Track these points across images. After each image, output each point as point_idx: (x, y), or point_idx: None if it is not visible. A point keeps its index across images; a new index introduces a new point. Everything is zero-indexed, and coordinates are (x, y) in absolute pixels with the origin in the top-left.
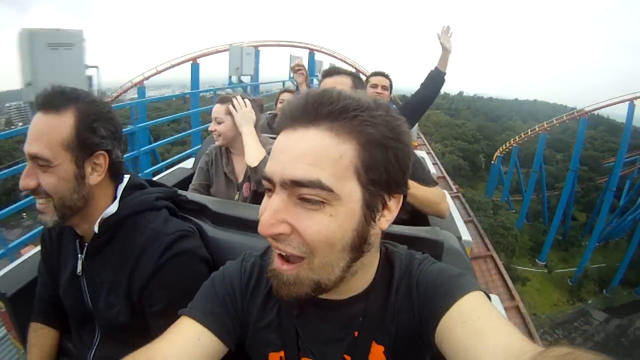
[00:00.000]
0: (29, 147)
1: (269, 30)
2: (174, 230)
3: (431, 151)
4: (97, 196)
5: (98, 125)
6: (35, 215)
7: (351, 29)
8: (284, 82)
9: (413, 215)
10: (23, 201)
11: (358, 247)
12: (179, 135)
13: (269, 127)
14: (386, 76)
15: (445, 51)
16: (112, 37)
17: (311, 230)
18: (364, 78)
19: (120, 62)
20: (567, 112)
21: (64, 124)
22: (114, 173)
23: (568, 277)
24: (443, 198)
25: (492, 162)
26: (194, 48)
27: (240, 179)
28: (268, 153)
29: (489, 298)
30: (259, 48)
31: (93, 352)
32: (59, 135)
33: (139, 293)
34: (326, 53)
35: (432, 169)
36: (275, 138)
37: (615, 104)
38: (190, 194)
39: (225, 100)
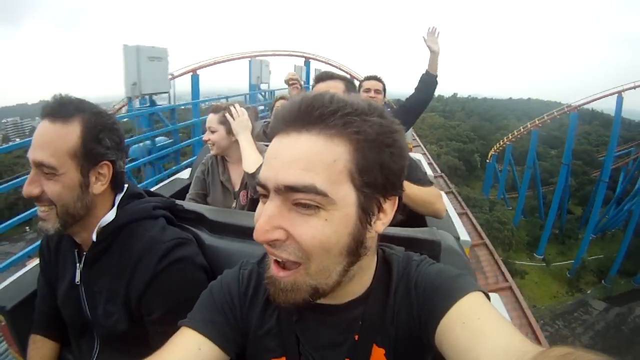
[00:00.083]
0: (34, 154)
1: (266, 40)
2: (171, 238)
3: (426, 152)
4: (98, 205)
5: (104, 136)
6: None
7: (346, 37)
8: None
9: (410, 216)
10: (25, 214)
11: (354, 251)
12: (180, 144)
13: (264, 135)
14: (379, 80)
15: (433, 53)
16: (112, 50)
17: (306, 235)
18: (357, 84)
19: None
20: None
21: (71, 133)
22: (116, 183)
23: (566, 269)
24: (439, 198)
25: (487, 160)
26: (192, 60)
27: (236, 188)
28: None
29: (489, 298)
30: (257, 58)
31: None
32: (65, 144)
33: (137, 300)
34: (322, 61)
35: (429, 171)
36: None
37: (603, 97)
38: (187, 203)
39: (218, 109)
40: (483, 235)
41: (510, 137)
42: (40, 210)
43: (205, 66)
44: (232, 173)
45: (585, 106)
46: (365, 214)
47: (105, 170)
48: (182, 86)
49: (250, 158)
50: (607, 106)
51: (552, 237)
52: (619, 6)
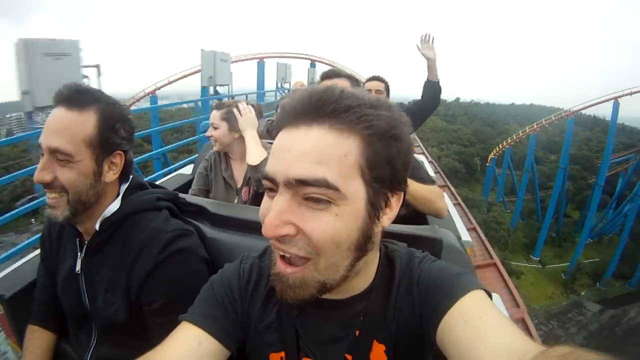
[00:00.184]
0: (48, 141)
1: (273, 43)
2: (174, 229)
3: (427, 155)
4: (107, 194)
5: (120, 126)
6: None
7: (351, 40)
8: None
9: (411, 214)
10: (29, 205)
11: (362, 245)
12: (186, 140)
13: (268, 133)
14: (381, 80)
15: (430, 60)
16: (122, 49)
17: (317, 230)
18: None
19: (134, 74)
20: None
21: (87, 121)
22: (125, 173)
23: (562, 271)
24: (440, 197)
25: (487, 164)
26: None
27: (239, 184)
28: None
29: (490, 296)
30: (264, 60)
31: (90, 353)
32: (82, 131)
33: (138, 290)
34: (326, 63)
35: (431, 173)
36: (273, 143)
37: (600, 102)
38: (190, 197)
39: (221, 106)
40: (471, 217)
41: (510, 141)
42: (49, 197)
43: None
44: (234, 169)
45: (587, 113)
46: (374, 208)
47: (118, 159)
48: (192, 86)
49: (254, 151)
50: (608, 113)
51: (549, 240)
52: (622, 12)
